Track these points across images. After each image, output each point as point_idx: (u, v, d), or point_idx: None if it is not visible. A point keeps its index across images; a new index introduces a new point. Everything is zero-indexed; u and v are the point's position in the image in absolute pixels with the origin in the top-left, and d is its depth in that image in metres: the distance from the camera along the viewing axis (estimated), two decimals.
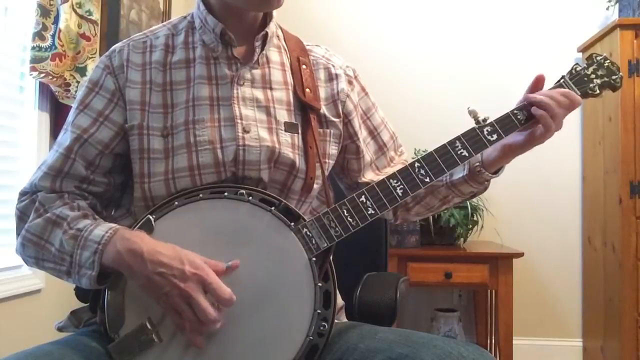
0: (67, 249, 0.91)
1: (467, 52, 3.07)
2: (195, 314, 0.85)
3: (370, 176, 1.16)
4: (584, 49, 2.91)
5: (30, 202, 0.98)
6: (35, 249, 0.95)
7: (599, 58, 1.11)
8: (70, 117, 1.03)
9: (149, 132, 0.99)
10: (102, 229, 0.91)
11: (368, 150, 1.16)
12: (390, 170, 1.15)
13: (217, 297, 0.86)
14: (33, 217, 0.96)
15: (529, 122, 1.05)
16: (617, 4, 2.74)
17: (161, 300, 0.87)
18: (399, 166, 1.14)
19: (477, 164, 1.06)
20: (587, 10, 2.99)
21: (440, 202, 1.14)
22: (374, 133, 1.17)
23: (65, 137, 1.01)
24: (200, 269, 0.86)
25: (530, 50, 3.02)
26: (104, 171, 1.02)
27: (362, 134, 1.15)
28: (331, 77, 1.12)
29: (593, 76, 1.10)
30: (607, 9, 2.84)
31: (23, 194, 1.00)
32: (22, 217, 0.98)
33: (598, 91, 1.10)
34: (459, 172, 1.07)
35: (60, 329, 1.04)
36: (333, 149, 1.10)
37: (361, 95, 1.16)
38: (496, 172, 1.08)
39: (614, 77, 1.11)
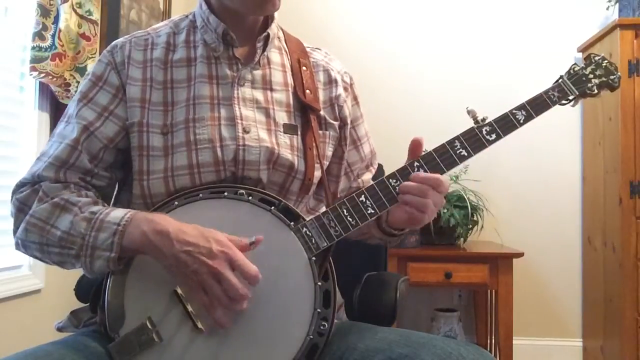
0: (79, 231, 0.90)
1: (467, 52, 3.07)
2: (224, 290, 0.86)
3: (343, 184, 1.18)
4: (584, 49, 2.91)
5: (32, 191, 0.96)
6: (40, 233, 0.92)
7: (597, 58, 1.12)
8: (72, 109, 1.02)
9: (149, 129, 0.99)
10: (119, 211, 0.91)
11: (348, 159, 1.18)
12: (355, 185, 1.18)
13: (244, 273, 0.86)
14: (37, 204, 0.94)
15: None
16: (617, 4, 2.74)
17: (189, 278, 0.87)
18: (355, 184, 1.18)
19: (384, 220, 1.04)
20: (587, 10, 2.99)
21: (359, 234, 1.12)
22: (356, 143, 1.19)
23: (70, 128, 1.00)
24: (227, 247, 0.86)
25: (530, 50, 3.02)
26: (106, 165, 1.02)
27: (348, 141, 1.16)
28: (330, 81, 1.13)
29: (591, 76, 1.10)
30: (607, 9, 2.83)
31: (22, 184, 0.98)
32: (22, 208, 0.96)
33: (596, 91, 1.10)
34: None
35: (60, 329, 1.03)
36: (329, 151, 1.11)
37: (353, 104, 1.18)
38: (402, 230, 1.06)
39: (612, 77, 1.11)
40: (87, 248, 0.89)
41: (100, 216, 0.90)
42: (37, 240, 0.93)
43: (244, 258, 0.87)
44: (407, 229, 1.07)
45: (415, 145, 1.00)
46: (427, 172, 0.99)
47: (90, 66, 1.88)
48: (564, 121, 2.94)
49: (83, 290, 1.07)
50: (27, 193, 0.96)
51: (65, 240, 0.91)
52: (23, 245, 0.96)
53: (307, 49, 1.15)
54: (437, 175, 0.97)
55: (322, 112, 1.09)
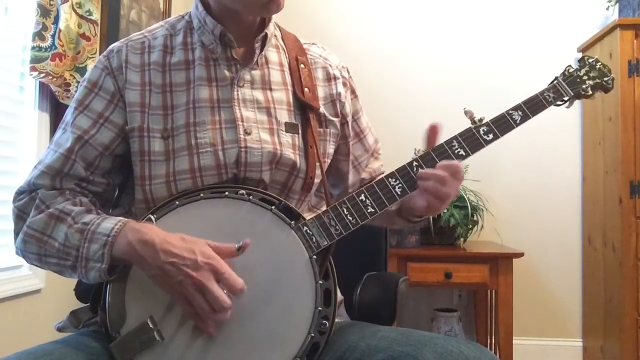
0: (73, 242, 0.91)
1: (467, 52, 3.07)
2: (207, 302, 0.85)
3: (353, 178, 1.19)
4: (584, 49, 2.91)
5: (30, 199, 0.97)
6: (38, 244, 0.94)
7: (590, 60, 1.16)
8: (68, 117, 1.03)
9: (149, 134, 0.99)
10: (110, 222, 0.91)
11: (353, 152, 1.18)
12: (365, 175, 1.20)
13: (230, 286, 0.86)
14: (34, 213, 0.95)
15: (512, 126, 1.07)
16: (617, 4, 2.74)
17: (173, 289, 0.87)
18: (366, 175, 1.20)
19: (405, 207, 1.08)
20: (587, 10, 3.00)
21: (381, 222, 1.17)
22: (359, 136, 1.19)
23: (65, 137, 1.00)
24: (212, 259, 0.86)
25: (530, 50, 3.02)
26: (103, 172, 1.02)
27: (351, 135, 1.17)
28: (329, 77, 1.13)
29: (585, 77, 1.13)
30: (607, 9, 2.84)
31: (20, 192, 1.00)
32: (21, 215, 0.97)
33: (590, 92, 1.13)
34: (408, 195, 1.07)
35: (59, 330, 1.03)
36: (331, 148, 1.11)
37: (352, 97, 1.18)
38: (421, 216, 1.10)
39: (605, 79, 1.15)
40: (81, 259, 0.90)
41: (92, 227, 0.91)
42: (35, 251, 0.95)
43: (229, 270, 0.86)
44: (425, 217, 1.11)
45: (432, 133, 1.04)
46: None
47: (91, 66, 1.88)
48: (564, 121, 2.94)
49: (83, 290, 1.07)
50: (25, 201, 0.98)
51: (61, 251, 0.92)
52: (22, 255, 0.97)
53: (304, 46, 1.15)
54: (456, 162, 1.00)
55: (321, 110, 1.09)
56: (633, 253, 2.48)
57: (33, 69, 1.74)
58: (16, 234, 0.97)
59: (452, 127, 1.08)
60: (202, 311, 0.86)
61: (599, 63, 1.15)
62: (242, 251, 0.88)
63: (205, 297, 0.85)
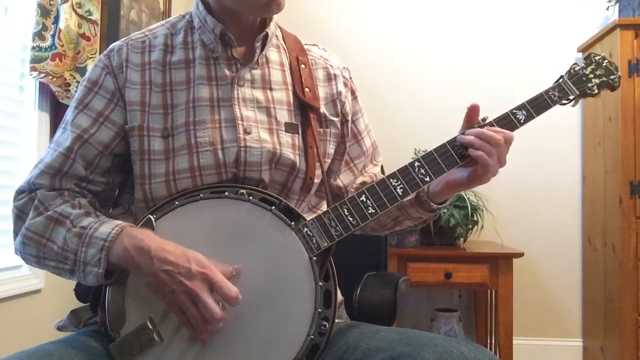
0: (71, 247, 0.91)
1: (467, 52, 3.07)
2: (200, 312, 0.85)
3: (346, 179, 1.17)
4: (584, 49, 2.91)
5: (29, 199, 0.97)
6: (37, 247, 0.94)
7: (597, 58, 1.12)
8: (68, 116, 1.03)
9: (149, 133, 0.99)
10: (108, 226, 0.91)
11: (349, 153, 1.17)
12: (367, 179, 1.18)
13: (224, 295, 0.86)
14: (33, 215, 0.95)
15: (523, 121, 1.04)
16: (617, 4, 2.74)
17: (166, 297, 0.87)
18: (367, 178, 1.18)
19: (423, 194, 1.07)
20: (587, 10, 2.99)
21: (392, 222, 1.16)
22: (357, 137, 1.18)
23: (65, 136, 1.00)
24: (206, 268, 0.86)
25: (530, 50, 3.02)
26: (102, 171, 1.02)
27: (349, 135, 1.16)
28: (330, 78, 1.13)
29: (591, 76, 1.10)
30: (607, 9, 2.84)
31: (20, 192, 1.00)
32: (20, 215, 0.97)
33: (597, 90, 1.10)
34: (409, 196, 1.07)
35: (60, 329, 1.04)
36: (331, 148, 1.11)
37: (352, 98, 1.17)
38: (442, 203, 1.09)
39: (612, 77, 1.11)
40: (79, 264, 0.90)
41: (89, 231, 0.91)
42: (34, 254, 0.95)
43: (222, 279, 0.86)
44: (447, 203, 1.09)
45: (472, 111, 1.03)
46: (428, 172, 1.00)
47: (91, 66, 1.87)
48: (564, 121, 2.94)
49: (83, 290, 1.07)
50: (25, 201, 0.98)
51: (60, 255, 0.92)
52: (22, 256, 0.98)
53: (305, 46, 1.15)
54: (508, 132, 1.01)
55: (322, 110, 1.09)
56: (633, 253, 2.48)
57: (33, 69, 1.74)
58: (15, 234, 0.97)
59: (453, 126, 1.07)
60: (194, 320, 0.87)
61: (606, 60, 1.12)
62: (234, 274, 0.89)
63: (197, 306, 0.85)
